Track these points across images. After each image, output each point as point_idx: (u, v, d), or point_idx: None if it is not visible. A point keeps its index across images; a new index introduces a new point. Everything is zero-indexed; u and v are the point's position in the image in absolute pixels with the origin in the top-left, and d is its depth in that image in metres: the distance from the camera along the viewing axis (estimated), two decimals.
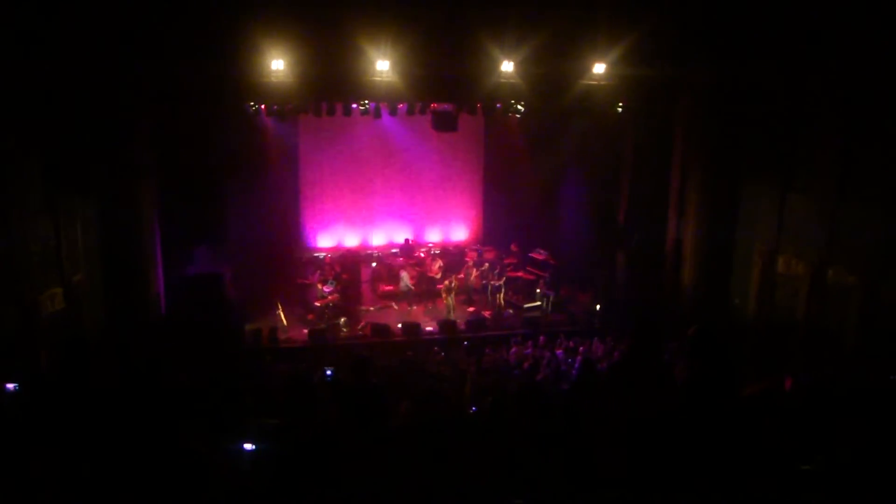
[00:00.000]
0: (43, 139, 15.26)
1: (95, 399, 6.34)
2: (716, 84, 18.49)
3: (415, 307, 22.47)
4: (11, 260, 14.08)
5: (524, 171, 25.60)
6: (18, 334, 14.23)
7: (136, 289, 17.92)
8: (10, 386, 7.67)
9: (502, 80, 18.82)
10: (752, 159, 18.87)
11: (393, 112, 20.75)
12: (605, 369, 15.56)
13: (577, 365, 16.77)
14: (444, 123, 21.90)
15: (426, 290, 23.10)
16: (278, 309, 21.39)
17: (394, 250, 25.15)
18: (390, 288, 23.61)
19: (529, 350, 18.42)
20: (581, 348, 18.36)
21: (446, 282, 22.17)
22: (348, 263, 23.43)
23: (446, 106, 21.41)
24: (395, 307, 22.61)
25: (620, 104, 20.58)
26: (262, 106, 19.48)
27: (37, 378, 8.19)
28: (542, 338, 19.21)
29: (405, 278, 22.11)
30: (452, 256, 24.67)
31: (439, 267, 23.34)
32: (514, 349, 18.53)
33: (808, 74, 16.75)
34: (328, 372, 13.98)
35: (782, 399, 8.42)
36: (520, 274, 23.51)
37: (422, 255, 24.43)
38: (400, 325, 20.68)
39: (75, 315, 16.19)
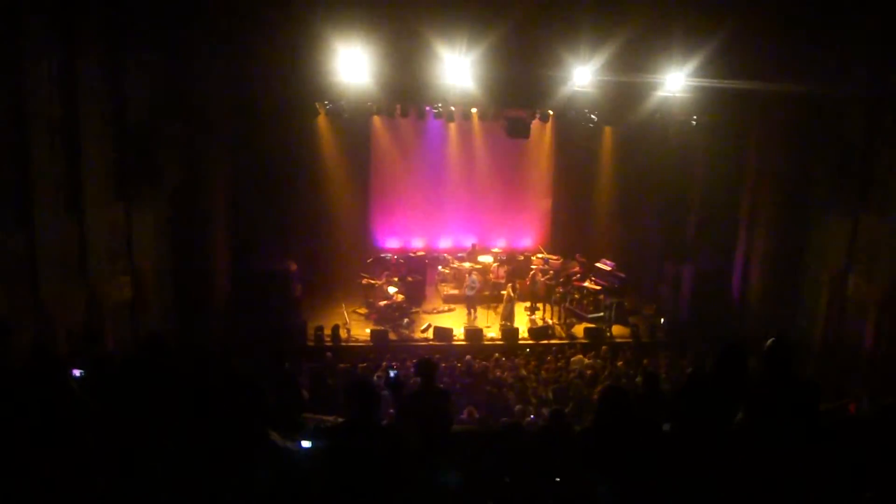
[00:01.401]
0: (117, 129, 15.50)
1: (162, 389, 6.41)
2: (791, 99, 18.20)
3: (473, 313, 22.26)
4: (81, 247, 14.28)
5: (595, 182, 25.51)
6: (86, 320, 14.45)
7: (203, 280, 18.16)
8: (77, 372, 7.77)
9: (577, 89, 18.77)
10: (826, 175, 18.49)
11: (466, 116, 20.83)
12: (669, 384, 15.46)
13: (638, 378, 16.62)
14: (517, 130, 21.91)
15: (490, 296, 23.05)
16: (342, 307, 21.49)
17: (460, 254, 25.15)
18: (455, 291, 23.61)
19: (590, 361, 18.29)
20: (644, 361, 18.19)
21: (509, 287, 22.10)
22: (414, 265, 23.49)
23: (519, 113, 21.39)
24: (472, 312, 22.33)
25: (694, 117, 20.37)
26: (337, 105, 19.65)
27: (104, 364, 8.26)
28: (604, 347, 19.04)
29: (474, 282, 22.00)
30: (518, 263, 24.59)
31: (504, 272, 23.24)
32: (575, 358, 18.41)
33: (884, 91, 16.42)
34: (391, 374, 14.02)
35: (847, 423, 8.25)
36: (585, 283, 23.36)
37: (489, 260, 24.36)
38: (462, 330, 20.65)
39: (143, 304, 16.41)
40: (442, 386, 14.77)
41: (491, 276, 23.37)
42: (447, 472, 6.19)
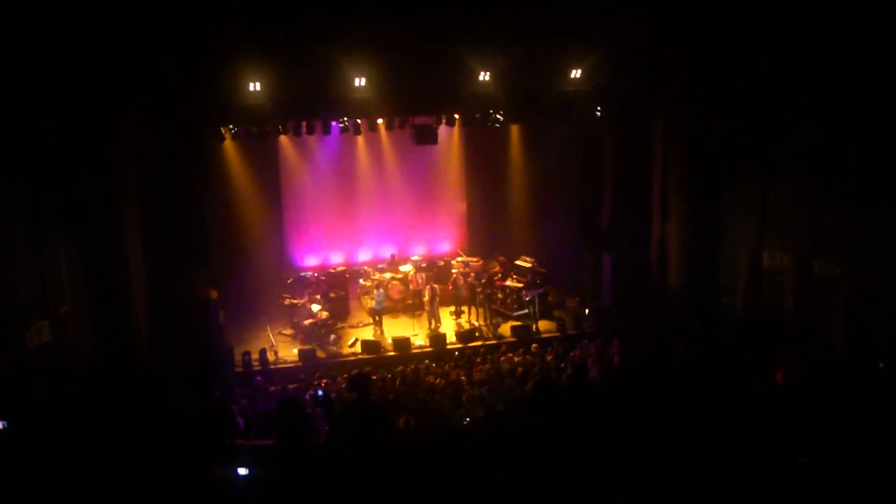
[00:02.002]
0: (23, 169, 15.16)
1: (87, 430, 6.30)
2: (692, 84, 18.55)
3: (379, 326, 21.98)
4: None
5: (507, 180, 25.69)
6: (5, 369, 14.11)
7: (122, 317, 17.78)
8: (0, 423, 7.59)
9: (480, 91, 18.87)
10: (732, 155, 18.88)
11: (372, 128, 20.78)
12: (598, 374, 15.63)
13: (568, 370, 16.77)
14: (424, 136, 21.94)
15: (415, 304, 23.04)
16: (267, 330, 21.30)
17: (380, 265, 25.10)
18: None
19: (519, 358, 18.40)
20: (571, 353, 18.37)
21: (427, 289, 22.12)
22: (335, 281, 23.39)
23: (425, 119, 21.44)
24: (378, 324, 22.07)
25: (599, 109, 20.62)
26: (242, 128, 19.51)
27: (27, 413, 8.09)
28: (533, 346, 19.15)
29: (380, 294, 21.96)
30: (439, 268, 24.64)
31: (423, 278, 23.25)
32: (504, 357, 18.51)
33: (786, 67, 16.80)
34: (319, 391, 13.94)
35: (775, 392, 8.44)
36: (507, 282, 23.50)
37: (407, 268, 24.34)
38: (390, 340, 20.60)
39: (63, 347, 16.07)
40: (374, 398, 14.81)
41: (411, 284, 23.36)
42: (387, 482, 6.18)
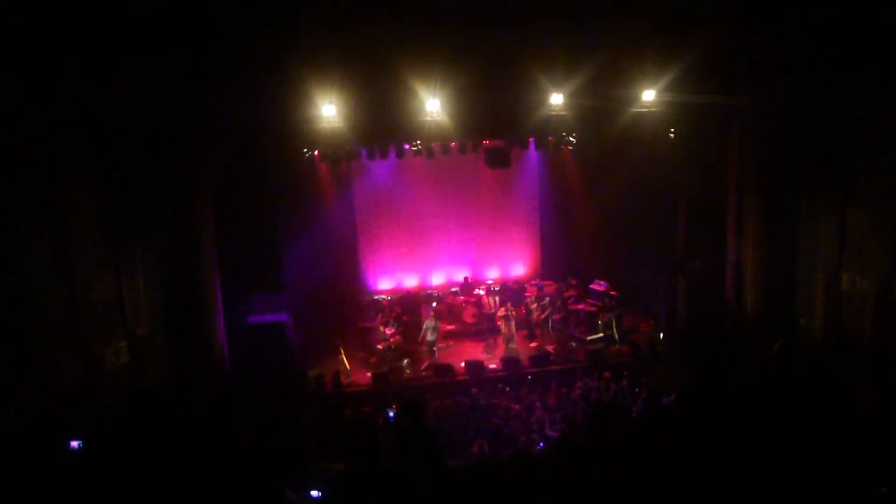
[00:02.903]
0: (102, 191, 15.50)
1: (164, 454, 6.36)
2: (768, 104, 18.29)
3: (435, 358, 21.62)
4: (76, 314, 14.25)
5: (580, 203, 25.54)
6: (84, 389, 14.36)
7: (199, 339, 18.07)
8: (75, 444, 7.68)
9: (552, 113, 18.82)
10: (809, 176, 18.56)
11: (445, 151, 20.85)
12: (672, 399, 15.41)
13: (642, 395, 16.61)
14: (497, 160, 21.94)
15: (487, 328, 22.98)
16: (340, 353, 21.38)
17: (454, 289, 25.11)
18: (452, 327, 23.56)
19: (595, 383, 18.25)
20: (645, 378, 18.17)
21: (502, 310, 22.06)
22: (409, 305, 23.42)
23: (498, 142, 21.44)
24: (433, 356, 21.65)
25: (672, 130, 20.43)
26: (316, 152, 19.73)
27: (102, 434, 8.18)
28: (606, 373, 18.95)
29: (430, 326, 21.73)
30: (512, 292, 24.55)
31: (495, 302, 23.19)
32: (579, 382, 18.36)
33: (862, 87, 16.51)
34: (390, 414, 13.94)
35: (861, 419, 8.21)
36: (581, 306, 23.34)
37: (480, 292, 24.30)
38: (463, 364, 20.56)
39: (140, 368, 16.33)
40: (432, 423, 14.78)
41: (484, 308, 23.30)
42: None
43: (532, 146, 21.98)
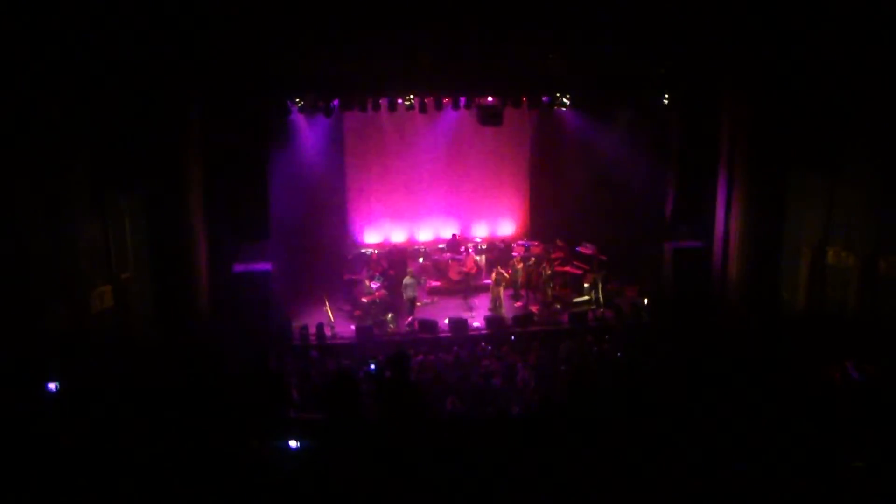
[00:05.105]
0: (89, 137, 15.41)
1: (142, 396, 6.36)
2: (762, 72, 18.20)
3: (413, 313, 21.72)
4: (61, 258, 14.23)
5: (571, 166, 25.42)
6: (68, 332, 14.37)
7: (183, 286, 18.03)
8: (52, 385, 7.67)
9: (546, 73, 18.74)
10: (799, 149, 18.51)
11: (438, 107, 20.75)
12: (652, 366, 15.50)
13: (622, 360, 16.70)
14: (490, 118, 21.79)
15: (473, 285, 23.01)
16: (325, 305, 21.41)
17: (441, 245, 25.09)
18: (438, 283, 23.58)
19: (576, 346, 18.30)
20: (626, 343, 18.25)
21: (493, 274, 22.08)
22: (395, 259, 23.40)
23: (491, 100, 21.32)
24: (412, 312, 21.76)
25: (665, 95, 20.36)
26: (308, 102, 19.60)
27: (83, 376, 8.18)
28: (588, 336, 19.01)
29: (408, 283, 21.76)
30: (499, 251, 24.55)
31: (475, 262, 23.19)
32: (561, 344, 18.41)
33: (856, 60, 16.45)
34: (371, 366, 14.00)
35: (832, 393, 8.25)
36: (567, 268, 23.36)
37: (468, 250, 24.29)
38: (447, 321, 20.61)
39: (124, 312, 16.33)
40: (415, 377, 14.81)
41: (469, 265, 23.30)
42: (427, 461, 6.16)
43: (525, 106, 21.86)
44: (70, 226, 14.54)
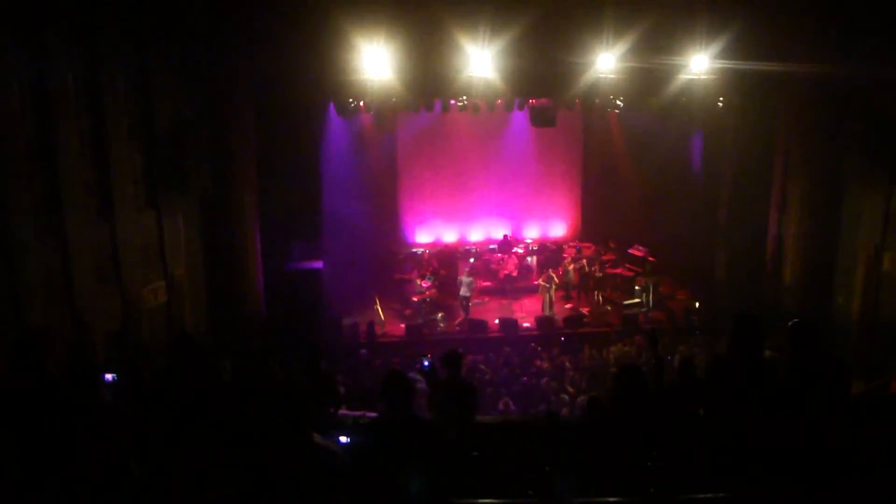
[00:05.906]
0: (145, 133, 15.63)
1: (195, 393, 6.43)
2: (818, 77, 17.98)
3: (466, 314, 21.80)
4: (116, 254, 14.42)
5: (623, 168, 25.31)
6: (122, 327, 14.56)
7: (236, 283, 18.24)
8: (109, 376, 7.80)
9: (601, 76, 18.66)
10: (856, 154, 18.23)
11: (491, 108, 20.76)
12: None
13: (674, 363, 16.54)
14: (542, 119, 21.76)
15: (523, 287, 23.01)
16: (376, 304, 21.52)
17: (492, 246, 25.08)
18: (488, 284, 23.59)
19: (627, 348, 18.21)
20: (680, 347, 18.08)
21: (544, 277, 22.04)
22: (446, 259, 23.47)
23: (544, 102, 21.28)
24: (466, 312, 21.84)
25: (721, 99, 20.20)
26: (361, 103, 19.68)
27: (136, 368, 8.29)
28: (638, 338, 18.92)
29: (464, 282, 21.83)
30: (550, 252, 24.51)
31: (533, 261, 23.15)
32: (613, 347, 18.34)
33: None
34: (425, 362, 13.99)
35: (887, 401, 8.12)
36: (619, 270, 23.26)
37: (519, 250, 24.27)
38: (497, 321, 20.60)
39: (177, 309, 16.53)
40: (485, 377, 14.78)
41: (523, 268, 23.30)
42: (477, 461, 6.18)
43: (578, 107, 21.80)
44: (125, 223, 14.72)
